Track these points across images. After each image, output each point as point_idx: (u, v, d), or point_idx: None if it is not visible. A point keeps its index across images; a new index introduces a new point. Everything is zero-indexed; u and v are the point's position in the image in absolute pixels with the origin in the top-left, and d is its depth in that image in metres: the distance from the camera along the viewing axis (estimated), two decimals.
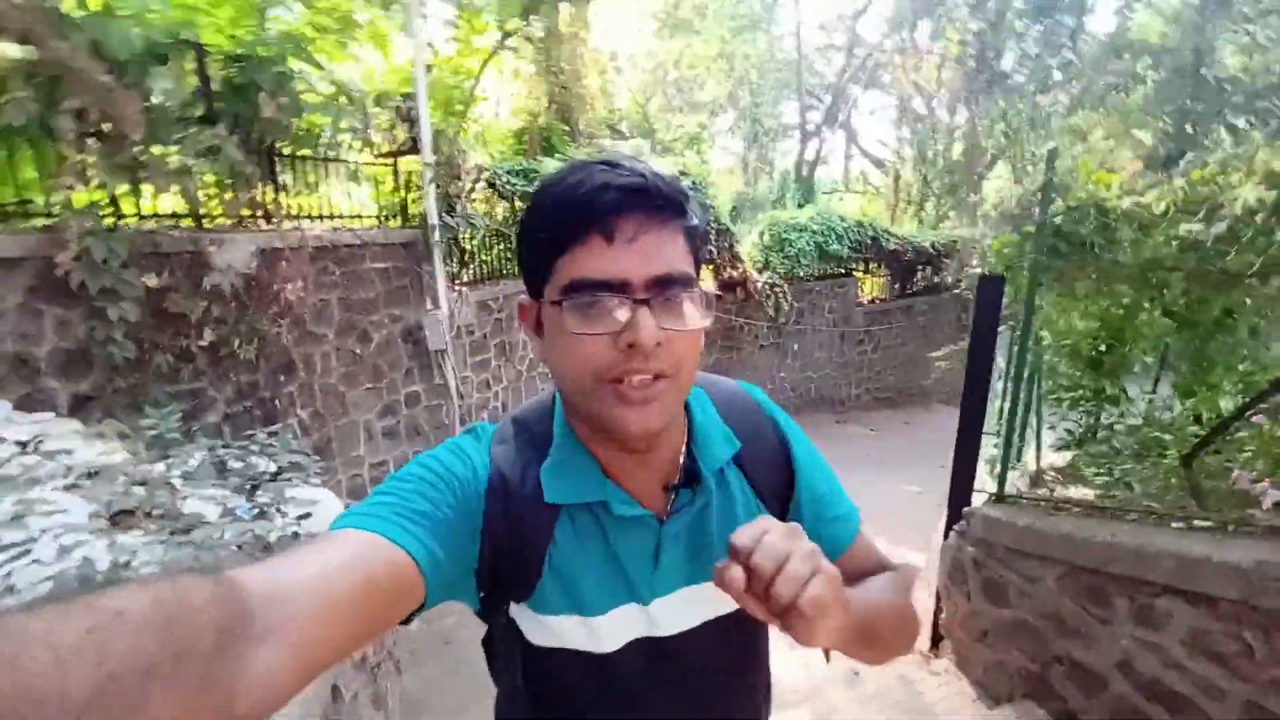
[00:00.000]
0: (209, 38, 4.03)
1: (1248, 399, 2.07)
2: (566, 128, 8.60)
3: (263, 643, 0.39)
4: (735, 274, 8.34)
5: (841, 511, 0.75)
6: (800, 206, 12.88)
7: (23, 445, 2.16)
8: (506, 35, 7.42)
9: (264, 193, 3.96)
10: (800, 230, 8.80)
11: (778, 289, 8.47)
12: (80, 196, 2.83)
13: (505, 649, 0.72)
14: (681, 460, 0.68)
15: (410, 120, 4.81)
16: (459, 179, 5.19)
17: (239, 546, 1.68)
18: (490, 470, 0.64)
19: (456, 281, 5.50)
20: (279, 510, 1.91)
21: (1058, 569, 2.18)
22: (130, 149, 2.81)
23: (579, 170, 0.57)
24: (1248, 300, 2.11)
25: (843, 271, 9.55)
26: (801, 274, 8.86)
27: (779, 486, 0.73)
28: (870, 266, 10.07)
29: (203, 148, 3.29)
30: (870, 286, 10.40)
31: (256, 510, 1.86)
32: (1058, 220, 2.34)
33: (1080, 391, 2.56)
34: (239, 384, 3.67)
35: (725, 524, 0.69)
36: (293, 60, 3.85)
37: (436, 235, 4.83)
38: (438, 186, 4.85)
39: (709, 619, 0.69)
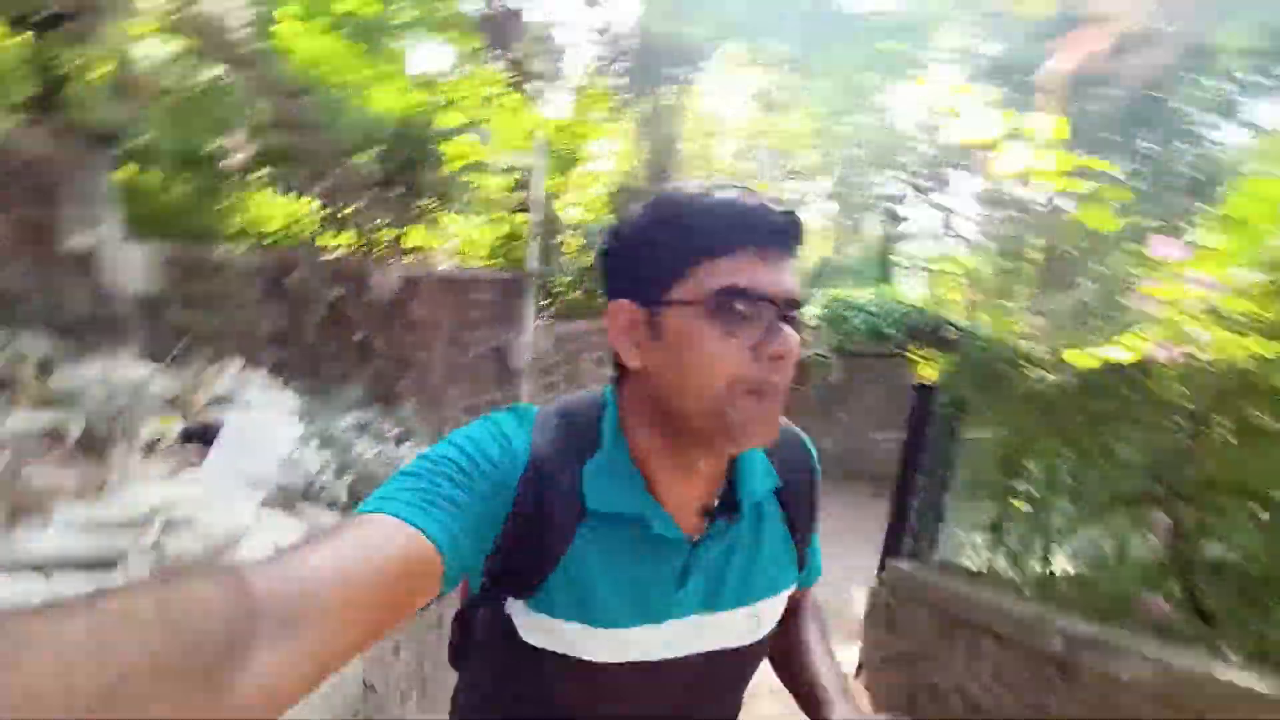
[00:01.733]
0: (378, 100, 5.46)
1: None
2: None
3: (273, 642, 0.39)
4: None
5: (817, 549, 0.84)
6: (877, 281, 13.44)
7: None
8: (617, 110, 8.73)
9: (410, 234, 5.29)
10: (858, 310, 9.49)
11: (826, 358, 9.17)
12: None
13: (488, 639, 0.71)
14: (721, 487, 0.69)
15: (525, 186, 6.09)
16: (557, 233, 6.40)
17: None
18: (529, 458, 0.63)
19: (541, 315, 6.68)
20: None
21: (934, 614, 2.90)
22: (339, 203, 4.13)
23: (722, 190, 0.61)
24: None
25: (898, 352, 10.08)
26: (852, 349, 9.50)
27: (807, 521, 0.77)
28: (928, 350, 10.51)
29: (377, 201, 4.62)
30: (930, 370, 10.78)
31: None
32: (981, 350, 3.12)
33: (989, 487, 3.26)
34: (372, 370, 4.94)
35: (752, 557, 0.70)
36: (445, 142, 5.18)
37: (532, 279, 6.03)
38: (539, 240, 6.07)
39: (712, 649, 0.69)
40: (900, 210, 17.76)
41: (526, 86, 5.94)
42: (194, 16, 3.26)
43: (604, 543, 0.64)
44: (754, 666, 0.76)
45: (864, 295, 9.99)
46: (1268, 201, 1.56)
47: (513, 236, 6.33)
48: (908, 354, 10.36)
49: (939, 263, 19.40)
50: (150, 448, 2.13)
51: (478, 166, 5.70)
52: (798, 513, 0.75)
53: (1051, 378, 2.85)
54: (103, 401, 2.02)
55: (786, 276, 0.60)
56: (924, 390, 3.20)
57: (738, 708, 0.80)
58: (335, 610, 0.43)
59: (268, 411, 2.86)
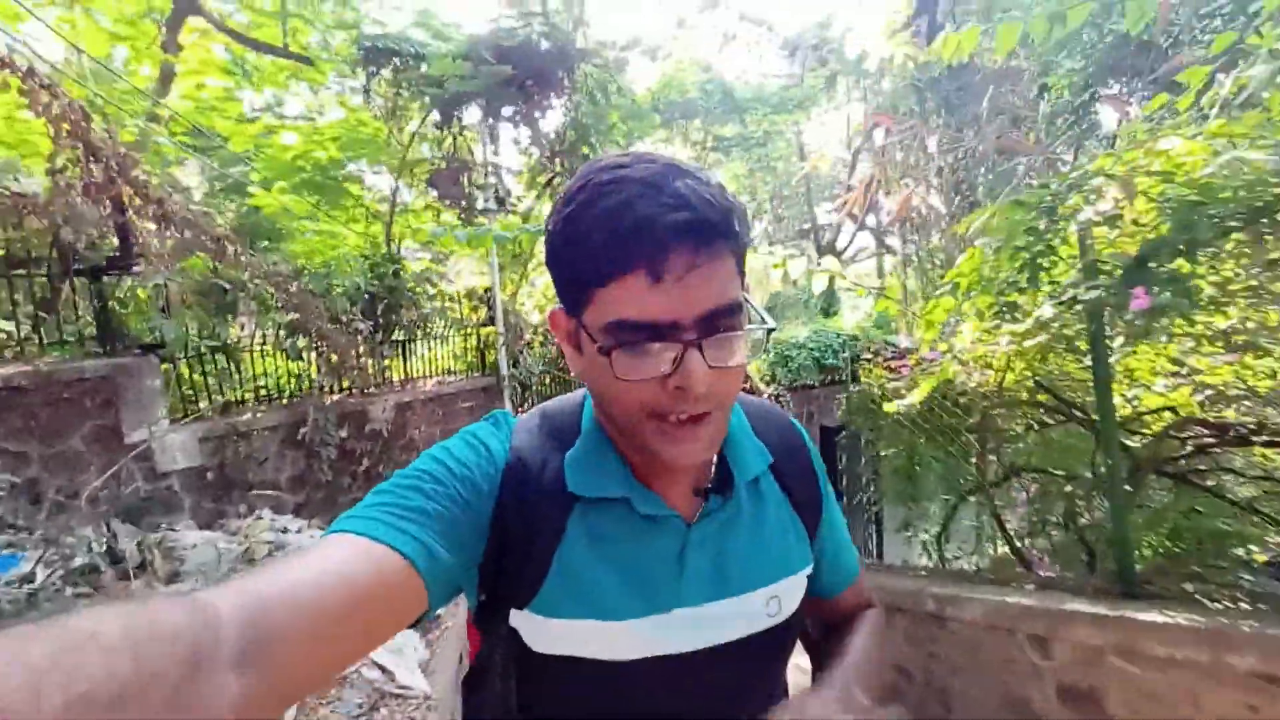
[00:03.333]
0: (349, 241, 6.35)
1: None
2: None
3: (238, 667, 0.38)
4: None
5: (848, 548, 0.80)
6: (824, 312, 14.51)
7: (283, 530, 4.09)
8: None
9: (395, 364, 6.10)
10: (799, 348, 10.51)
11: (782, 398, 10.08)
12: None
13: (501, 666, 0.66)
14: (714, 465, 0.67)
15: (488, 304, 6.99)
16: (521, 338, 7.27)
17: None
18: (509, 456, 0.62)
19: (519, 409, 7.47)
20: None
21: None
22: (340, 360, 4.93)
23: (618, 189, 0.51)
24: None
25: (839, 380, 11.06)
26: (803, 383, 10.46)
27: (812, 502, 0.73)
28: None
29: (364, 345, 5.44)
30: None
31: None
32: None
33: (895, 495, 4.08)
34: None
35: (756, 536, 0.67)
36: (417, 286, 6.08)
37: (505, 382, 6.86)
38: (506, 348, 6.94)
39: (732, 639, 0.65)
40: (838, 239, 19.23)
41: (478, 219, 6.92)
42: (204, 237, 4.12)
43: (596, 530, 0.62)
44: (785, 651, 0.71)
45: (802, 333, 11.02)
46: (973, 271, 2.38)
47: (485, 345, 7.18)
48: (846, 380, 11.38)
49: (877, 286, 20.82)
50: None
51: (443, 298, 6.59)
52: (798, 487, 0.72)
53: (899, 404, 3.70)
54: (207, 564, 2.72)
55: (694, 290, 0.51)
56: (825, 430, 4.07)
57: (778, 694, 0.74)
58: (301, 636, 0.42)
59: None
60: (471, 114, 6.70)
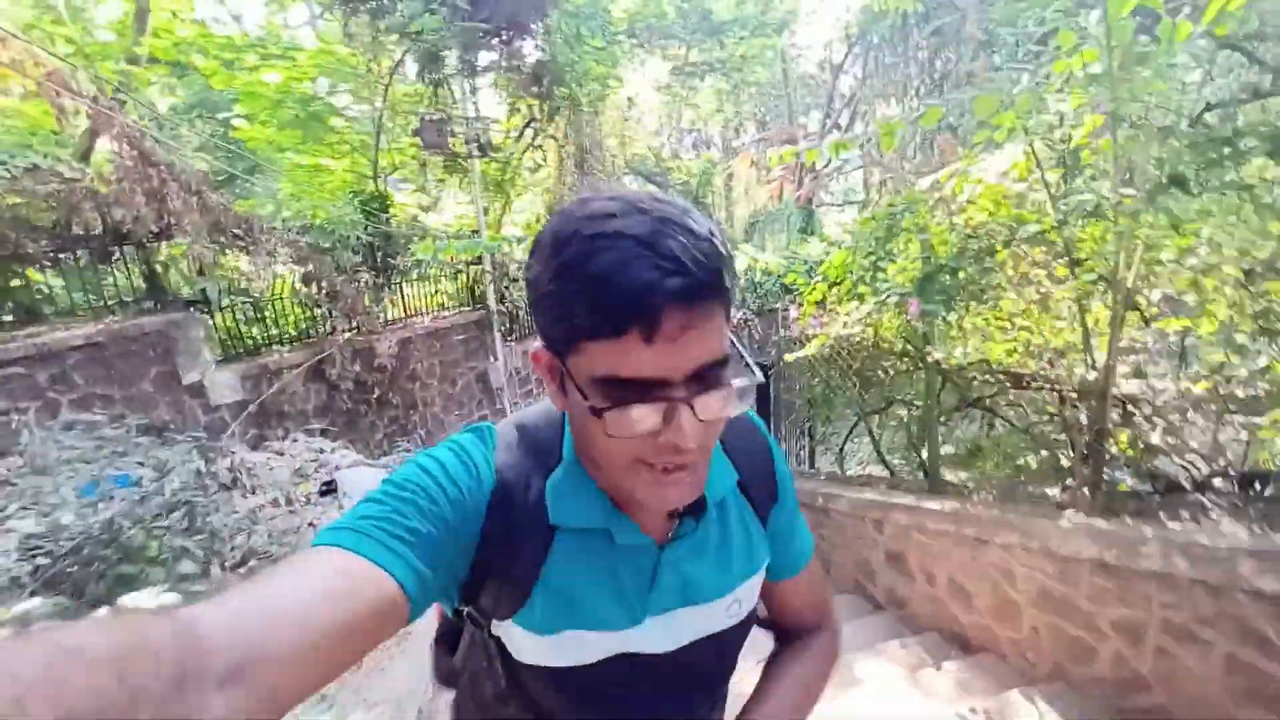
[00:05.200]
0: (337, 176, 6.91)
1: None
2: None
3: (223, 684, 0.39)
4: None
5: (803, 539, 0.82)
6: (803, 230, 14.98)
7: (320, 450, 5.04)
8: (535, 133, 9.95)
9: (396, 303, 6.85)
10: (767, 273, 11.26)
11: (750, 322, 10.96)
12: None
13: (478, 662, 0.73)
14: None
15: (475, 233, 7.64)
16: (506, 275, 7.97)
17: None
18: (495, 481, 0.63)
19: (508, 338, 8.29)
20: None
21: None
22: (350, 306, 5.69)
23: (610, 248, 0.49)
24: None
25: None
26: (770, 307, 11.31)
27: (767, 499, 0.76)
28: None
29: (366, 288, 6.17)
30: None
31: None
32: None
33: (817, 417, 5.06)
34: (390, 416, 6.55)
35: (721, 551, 0.71)
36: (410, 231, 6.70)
37: (494, 316, 7.64)
38: (494, 284, 7.66)
39: (696, 638, 0.70)
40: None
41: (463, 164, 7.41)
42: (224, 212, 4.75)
43: (578, 553, 0.65)
44: (740, 640, 0.75)
45: (770, 259, 11.72)
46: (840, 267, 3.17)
47: (474, 282, 7.88)
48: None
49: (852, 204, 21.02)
50: (307, 500, 3.75)
51: (433, 245, 7.23)
52: (758, 495, 0.75)
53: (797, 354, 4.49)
54: (281, 481, 3.64)
55: (686, 348, 0.51)
56: (762, 366, 4.96)
57: (724, 695, 0.81)
58: (289, 653, 0.43)
59: (354, 466, 4.50)
60: (450, 59, 7.01)
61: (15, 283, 4.06)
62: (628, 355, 0.51)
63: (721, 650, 0.74)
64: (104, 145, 4.03)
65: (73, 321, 4.32)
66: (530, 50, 7.02)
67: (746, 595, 0.73)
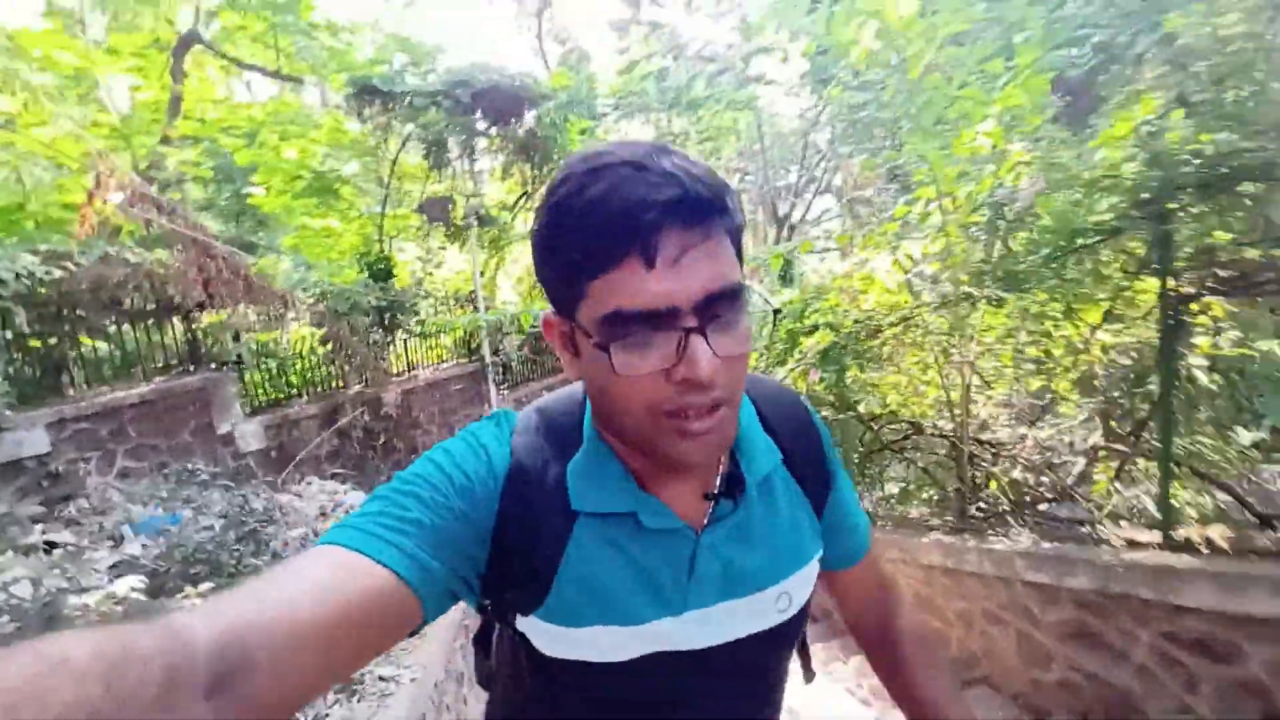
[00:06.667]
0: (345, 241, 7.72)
1: None
2: None
3: (211, 693, 0.38)
4: None
5: (861, 521, 0.76)
6: (781, 277, 15.86)
7: (333, 492, 5.68)
8: (528, 199, 10.86)
9: (400, 357, 7.59)
10: None
11: None
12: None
13: (508, 659, 0.69)
14: (723, 467, 0.64)
15: (473, 303, 8.43)
16: (500, 329, 8.76)
17: None
18: (510, 463, 0.60)
19: (501, 387, 9.00)
20: None
21: None
22: (361, 364, 6.43)
23: (603, 175, 0.49)
24: None
25: None
26: None
27: (821, 487, 0.71)
28: None
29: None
30: None
31: None
32: None
33: None
34: (394, 460, 7.19)
35: (767, 536, 0.65)
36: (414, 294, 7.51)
37: (489, 367, 8.38)
38: (489, 338, 8.43)
39: (741, 636, 0.64)
40: (794, 208, 20.42)
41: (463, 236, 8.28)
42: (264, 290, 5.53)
43: (604, 540, 0.60)
44: (791, 642, 0.70)
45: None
46: None
47: (470, 336, 8.64)
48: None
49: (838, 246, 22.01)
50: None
51: (435, 305, 8.03)
52: (809, 473, 0.69)
53: None
54: (309, 517, 4.28)
55: (691, 273, 0.49)
56: None
57: (779, 700, 0.73)
58: (277, 658, 0.42)
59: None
60: (452, 146, 7.96)
61: (84, 349, 4.78)
62: (629, 284, 0.49)
63: (770, 651, 0.68)
64: (141, 217, 4.80)
65: (128, 382, 5.03)
66: (522, 132, 7.98)
67: (798, 589, 0.67)
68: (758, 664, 0.68)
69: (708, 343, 0.49)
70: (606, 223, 0.48)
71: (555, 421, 0.64)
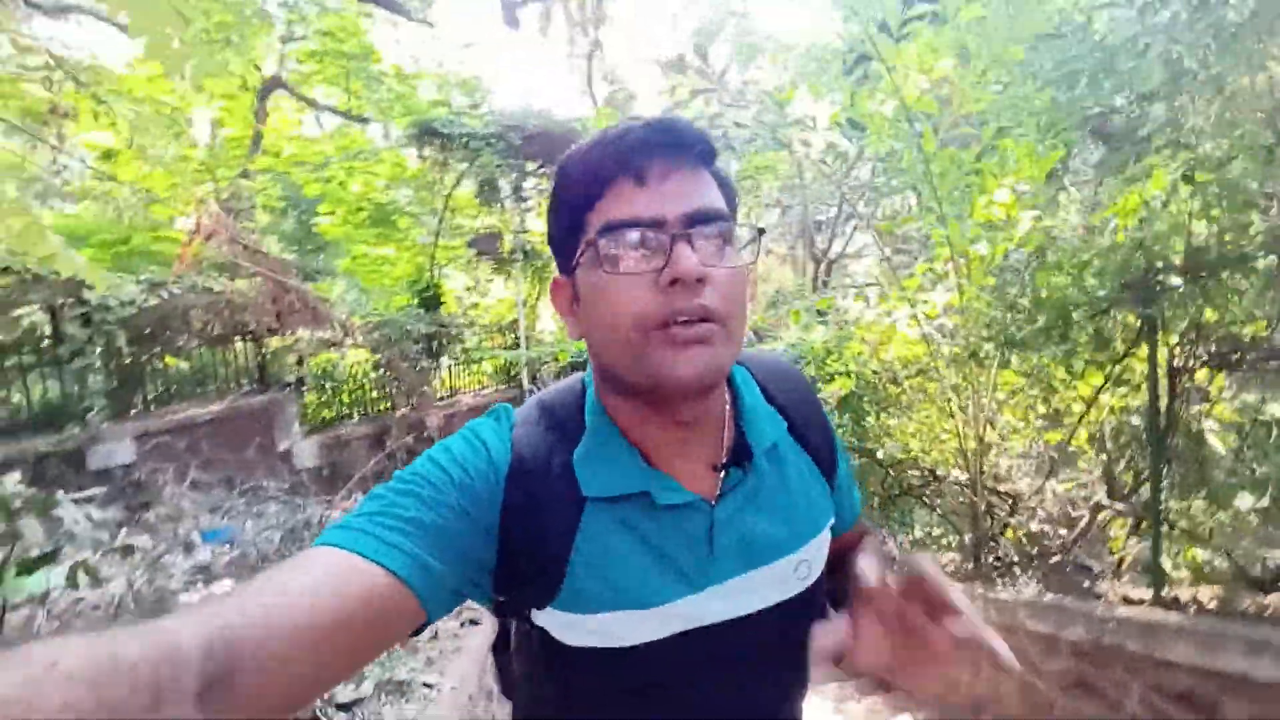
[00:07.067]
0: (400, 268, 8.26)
1: None
2: None
3: (201, 698, 0.38)
4: None
5: (854, 485, 0.80)
6: (820, 313, 15.88)
7: None
8: None
9: (444, 382, 8.01)
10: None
11: None
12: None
13: (529, 655, 0.67)
14: (729, 438, 0.65)
15: (514, 331, 8.85)
16: (539, 358, 9.14)
17: None
18: (511, 456, 0.60)
19: None
20: None
21: None
22: (410, 388, 6.84)
23: (598, 135, 0.57)
24: None
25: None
26: None
27: (828, 450, 0.72)
28: None
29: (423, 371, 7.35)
30: None
31: None
32: None
33: None
34: None
35: (781, 503, 0.66)
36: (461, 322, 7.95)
37: (528, 394, 8.76)
38: (528, 366, 8.81)
39: (760, 608, 0.64)
40: (832, 243, 20.46)
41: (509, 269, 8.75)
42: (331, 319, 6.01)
43: (616, 524, 0.60)
44: (812, 611, 0.68)
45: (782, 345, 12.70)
46: None
47: (510, 364, 9.05)
48: None
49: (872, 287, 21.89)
50: None
51: (480, 334, 8.47)
52: (815, 441, 0.71)
53: None
54: None
55: (676, 192, 0.55)
56: None
57: (805, 677, 0.73)
58: (268, 663, 0.41)
59: None
60: (504, 186, 8.48)
61: (166, 366, 5.30)
62: (620, 199, 0.54)
63: (791, 622, 0.65)
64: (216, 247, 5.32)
65: (202, 399, 5.52)
66: None
67: (814, 556, 0.68)
68: (780, 639, 0.66)
69: (691, 246, 0.54)
70: (600, 157, 0.55)
71: (556, 411, 0.65)
